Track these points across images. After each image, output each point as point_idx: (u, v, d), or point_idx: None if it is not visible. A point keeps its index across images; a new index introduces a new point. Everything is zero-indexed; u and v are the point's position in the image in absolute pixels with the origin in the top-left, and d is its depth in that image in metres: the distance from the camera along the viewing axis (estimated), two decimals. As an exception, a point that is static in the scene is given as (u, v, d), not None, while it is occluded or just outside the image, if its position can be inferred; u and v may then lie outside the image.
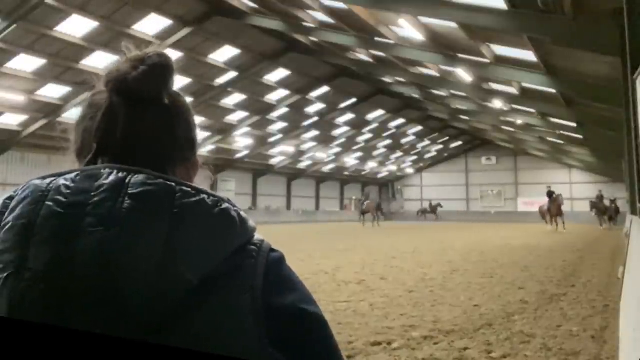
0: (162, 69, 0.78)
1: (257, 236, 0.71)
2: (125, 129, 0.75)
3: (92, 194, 0.65)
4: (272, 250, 0.71)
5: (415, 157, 46.43)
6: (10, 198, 0.68)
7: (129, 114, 0.75)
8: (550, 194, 24.69)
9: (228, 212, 0.68)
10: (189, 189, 0.67)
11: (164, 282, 0.60)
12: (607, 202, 27.09)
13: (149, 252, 0.61)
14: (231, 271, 0.65)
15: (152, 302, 0.59)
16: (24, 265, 0.61)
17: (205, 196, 0.68)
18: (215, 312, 0.62)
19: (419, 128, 37.46)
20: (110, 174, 0.67)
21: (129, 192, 0.65)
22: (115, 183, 0.66)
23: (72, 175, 0.69)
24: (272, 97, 26.60)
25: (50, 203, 0.65)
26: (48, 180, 0.68)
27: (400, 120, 34.82)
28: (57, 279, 0.60)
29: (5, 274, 0.61)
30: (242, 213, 0.70)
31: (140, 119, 0.75)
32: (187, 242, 0.63)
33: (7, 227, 0.64)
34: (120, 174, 0.67)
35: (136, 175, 0.67)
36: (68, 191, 0.66)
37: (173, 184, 0.67)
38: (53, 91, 20.32)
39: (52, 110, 21.07)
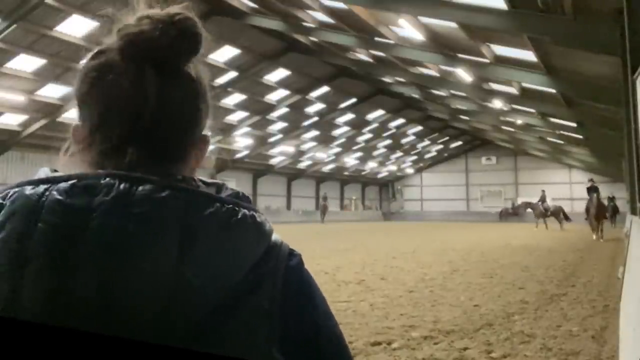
0: (194, 34, 0.67)
1: (275, 238, 0.65)
2: (156, 106, 0.63)
3: (92, 214, 0.56)
4: (291, 254, 0.66)
5: (415, 157, 46.42)
6: None
7: (160, 87, 0.63)
8: (591, 190, 18.46)
9: (244, 222, 0.61)
10: (202, 198, 0.60)
11: (175, 316, 0.54)
12: (550, 204, 25.41)
13: (157, 285, 0.54)
14: (249, 289, 0.59)
15: (162, 335, 0.54)
16: (17, 301, 0.54)
17: (219, 205, 0.60)
18: (230, 340, 0.57)
19: (419, 128, 37.45)
20: (111, 186, 0.58)
21: (133, 211, 0.57)
22: (117, 200, 0.57)
23: (67, 185, 0.59)
24: (272, 97, 26.60)
25: (42, 225, 0.56)
26: (41, 190, 0.59)
27: (400, 120, 34.81)
28: (55, 319, 0.53)
29: None
30: (257, 217, 0.63)
31: (170, 94, 0.65)
32: (201, 267, 0.56)
33: None
34: (122, 186, 0.58)
35: (141, 188, 0.59)
36: (62, 209, 0.57)
37: (182, 193, 0.59)
38: (53, 91, 20.32)
39: (52, 110, 21.07)
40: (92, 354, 0.47)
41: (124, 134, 0.63)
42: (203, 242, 0.57)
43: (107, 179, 0.59)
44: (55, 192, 0.58)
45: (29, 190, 0.60)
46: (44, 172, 0.65)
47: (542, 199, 25.70)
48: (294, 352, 0.61)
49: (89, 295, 0.54)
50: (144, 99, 0.62)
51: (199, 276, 0.56)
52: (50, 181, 0.60)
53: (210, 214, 0.59)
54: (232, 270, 0.58)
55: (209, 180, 0.67)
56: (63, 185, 0.59)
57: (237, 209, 0.62)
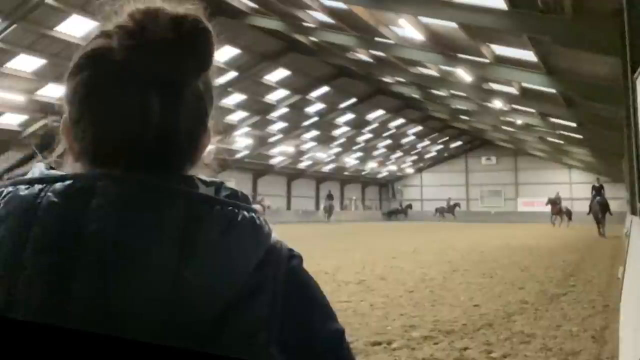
0: (205, 50, 0.62)
1: (274, 239, 0.63)
2: (159, 126, 0.59)
3: (88, 218, 0.54)
4: (290, 256, 0.64)
5: (415, 157, 46.43)
6: None
7: (165, 106, 0.59)
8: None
9: (244, 225, 0.59)
10: (202, 201, 0.58)
11: (175, 323, 0.53)
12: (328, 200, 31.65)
13: (156, 291, 0.53)
14: (249, 295, 0.57)
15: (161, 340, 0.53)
16: (11, 308, 0.52)
17: (218, 207, 0.58)
18: (229, 344, 0.55)
19: (419, 128, 37.46)
20: (106, 187, 0.56)
21: (131, 216, 0.55)
22: (113, 205, 0.55)
23: (63, 186, 0.56)
24: (272, 97, 26.61)
25: (37, 230, 0.54)
26: (35, 191, 0.56)
27: (400, 120, 34.82)
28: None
29: None
30: (257, 220, 0.61)
31: (176, 111, 0.60)
32: (202, 273, 0.55)
33: None
34: (119, 189, 0.56)
35: (139, 192, 0.57)
36: (58, 213, 0.54)
37: (182, 197, 0.57)
38: (53, 91, 20.32)
39: (52, 110, 21.10)
40: (92, 355, 0.46)
41: (121, 148, 0.60)
42: (204, 247, 0.56)
43: (104, 181, 0.57)
44: (50, 194, 0.56)
45: (23, 190, 0.57)
46: (39, 169, 0.62)
47: (329, 197, 35.42)
48: (295, 354, 0.60)
49: (84, 304, 0.52)
50: (145, 119, 0.58)
51: (200, 283, 0.54)
52: (45, 181, 0.58)
53: (210, 218, 0.57)
54: (232, 276, 0.56)
55: (209, 179, 0.65)
56: (59, 186, 0.56)
57: (236, 211, 0.59)
